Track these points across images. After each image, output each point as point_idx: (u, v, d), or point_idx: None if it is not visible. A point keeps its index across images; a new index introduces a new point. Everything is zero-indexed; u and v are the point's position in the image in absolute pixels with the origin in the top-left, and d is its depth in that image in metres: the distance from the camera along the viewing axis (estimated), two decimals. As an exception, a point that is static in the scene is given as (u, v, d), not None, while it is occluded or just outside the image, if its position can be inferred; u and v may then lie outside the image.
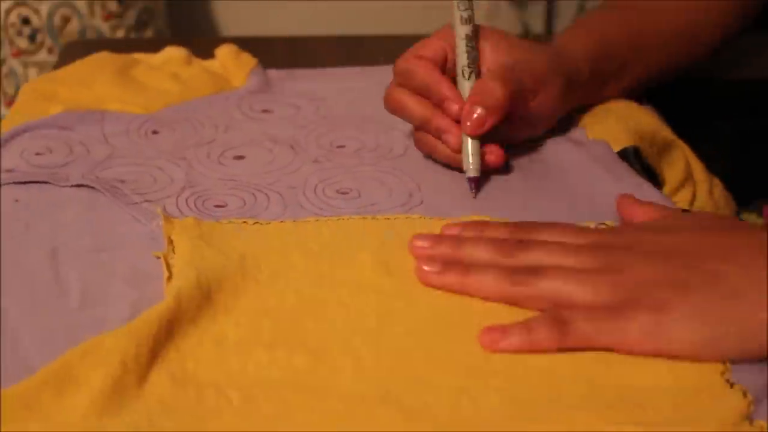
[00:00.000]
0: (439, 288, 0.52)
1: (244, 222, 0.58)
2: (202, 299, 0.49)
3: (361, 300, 0.51)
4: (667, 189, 0.67)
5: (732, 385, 0.45)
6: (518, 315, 0.49)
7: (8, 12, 1.29)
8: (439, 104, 0.63)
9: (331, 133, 0.71)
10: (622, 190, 0.60)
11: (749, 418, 0.43)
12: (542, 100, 0.66)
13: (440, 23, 0.67)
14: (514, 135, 0.66)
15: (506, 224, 0.56)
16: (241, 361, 0.46)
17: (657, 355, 0.46)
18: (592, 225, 0.57)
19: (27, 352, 0.47)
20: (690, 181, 0.68)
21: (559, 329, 0.47)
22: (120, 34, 1.33)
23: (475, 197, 0.62)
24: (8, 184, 0.62)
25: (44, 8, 1.29)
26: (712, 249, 0.49)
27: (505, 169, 0.65)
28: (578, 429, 0.43)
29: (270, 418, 0.43)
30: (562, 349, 0.47)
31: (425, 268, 0.52)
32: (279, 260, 0.54)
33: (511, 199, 0.62)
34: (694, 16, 0.77)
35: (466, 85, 0.64)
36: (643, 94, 0.75)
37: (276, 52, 0.87)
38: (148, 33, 1.38)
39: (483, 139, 0.63)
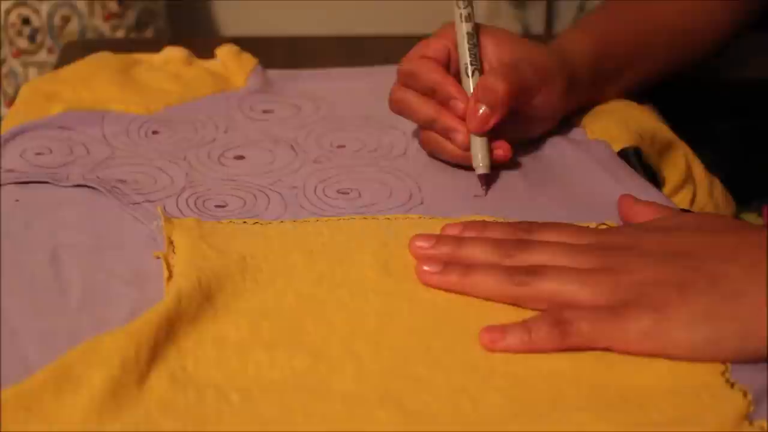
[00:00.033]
0: (439, 288, 0.52)
1: (245, 222, 0.58)
2: (202, 299, 0.49)
3: (361, 300, 0.51)
4: (667, 189, 0.67)
5: (732, 385, 0.45)
6: (518, 315, 0.49)
7: (8, 12, 1.29)
8: (445, 103, 0.64)
9: (331, 134, 0.71)
10: (622, 190, 0.60)
11: (749, 418, 0.43)
12: (545, 97, 0.66)
13: (440, 23, 0.68)
14: (516, 133, 0.66)
15: (506, 224, 0.56)
16: (241, 362, 0.46)
17: (657, 355, 0.46)
18: (593, 225, 0.57)
19: (27, 352, 0.47)
20: (690, 181, 0.68)
21: (560, 329, 0.47)
22: (120, 34, 1.33)
23: (486, 194, 0.62)
24: (8, 184, 0.62)
25: (44, 8, 1.29)
26: (713, 249, 0.49)
27: (506, 169, 0.65)
28: (578, 429, 0.42)
29: (270, 419, 0.43)
30: (562, 350, 0.47)
31: (425, 268, 0.52)
32: (279, 260, 0.54)
33: (511, 199, 0.62)
34: (694, 16, 0.76)
35: (469, 83, 0.64)
36: (643, 94, 0.75)
37: (276, 52, 0.87)
38: (148, 33, 1.38)
39: (488, 137, 0.63)
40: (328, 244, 0.56)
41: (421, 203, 0.62)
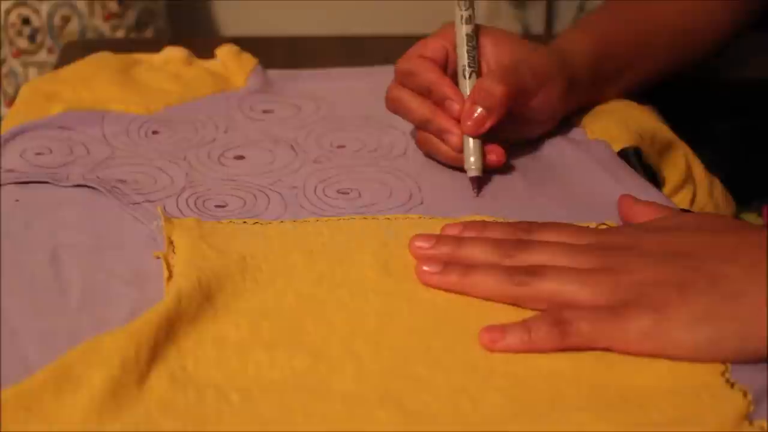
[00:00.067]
0: (439, 288, 0.52)
1: (245, 222, 0.58)
2: (202, 299, 0.49)
3: (361, 300, 0.51)
4: (667, 189, 0.67)
5: (732, 385, 0.45)
6: (518, 315, 0.49)
7: (8, 12, 1.29)
8: (440, 104, 0.64)
9: (331, 134, 0.71)
10: (622, 190, 0.60)
11: (749, 418, 0.43)
12: (543, 99, 0.66)
13: (440, 23, 0.68)
14: (514, 134, 0.66)
15: (506, 224, 0.56)
16: (241, 362, 0.46)
17: (657, 355, 0.46)
18: (593, 225, 0.57)
19: (27, 352, 0.47)
20: (690, 182, 0.68)
21: (560, 329, 0.47)
22: (120, 34, 1.33)
23: (477, 196, 0.62)
24: (8, 184, 0.62)
25: (44, 8, 1.29)
26: (713, 249, 0.49)
27: (505, 169, 0.65)
28: (578, 429, 0.42)
29: (270, 419, 0.43)
30: (562, 349, 0.47)
31: (425, 268, 0.52)
32: (279, 260, 0.54)
33: (511, 199, 0.62)
34: (694, 16, 0.76)
35: (466, 85, 0.64)
36: (643, 94, 0.75)
37: (276, 52, 0.87)
38: (148, 33, 1.38)
39: (484, 139, 0.63)
40: (328, 244, 0.56)
41: (421, 203, 0.61)
